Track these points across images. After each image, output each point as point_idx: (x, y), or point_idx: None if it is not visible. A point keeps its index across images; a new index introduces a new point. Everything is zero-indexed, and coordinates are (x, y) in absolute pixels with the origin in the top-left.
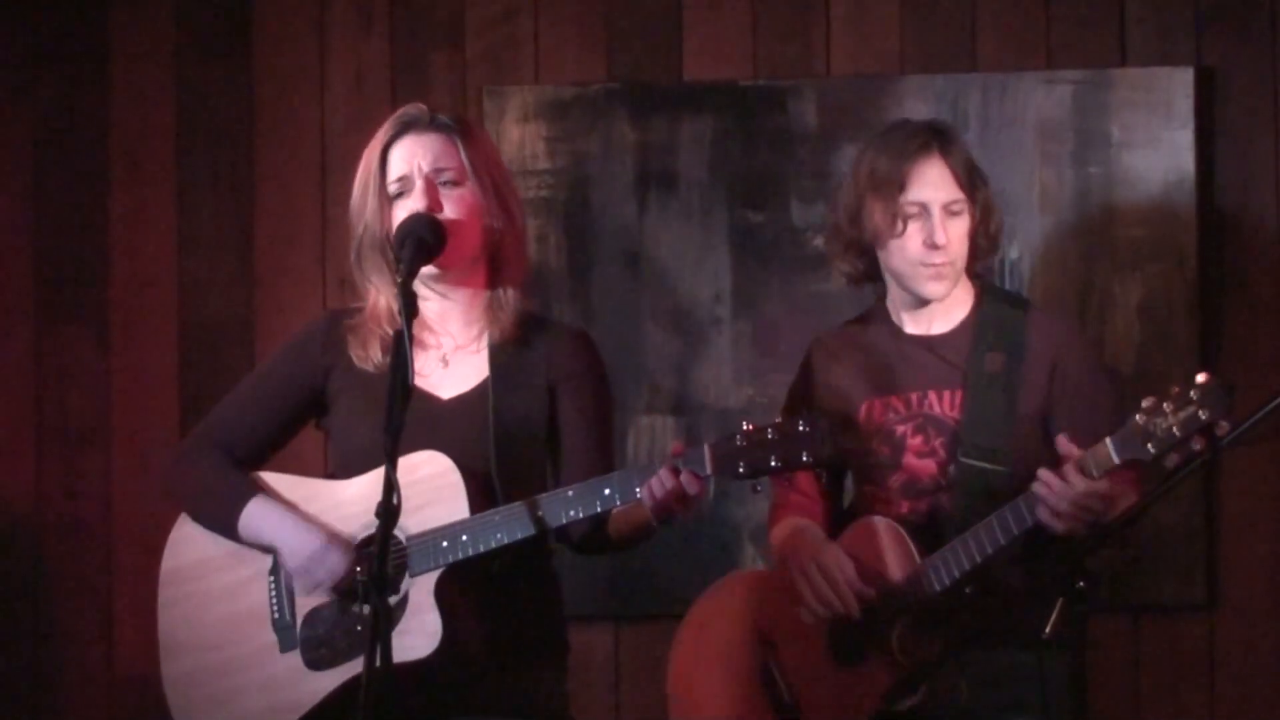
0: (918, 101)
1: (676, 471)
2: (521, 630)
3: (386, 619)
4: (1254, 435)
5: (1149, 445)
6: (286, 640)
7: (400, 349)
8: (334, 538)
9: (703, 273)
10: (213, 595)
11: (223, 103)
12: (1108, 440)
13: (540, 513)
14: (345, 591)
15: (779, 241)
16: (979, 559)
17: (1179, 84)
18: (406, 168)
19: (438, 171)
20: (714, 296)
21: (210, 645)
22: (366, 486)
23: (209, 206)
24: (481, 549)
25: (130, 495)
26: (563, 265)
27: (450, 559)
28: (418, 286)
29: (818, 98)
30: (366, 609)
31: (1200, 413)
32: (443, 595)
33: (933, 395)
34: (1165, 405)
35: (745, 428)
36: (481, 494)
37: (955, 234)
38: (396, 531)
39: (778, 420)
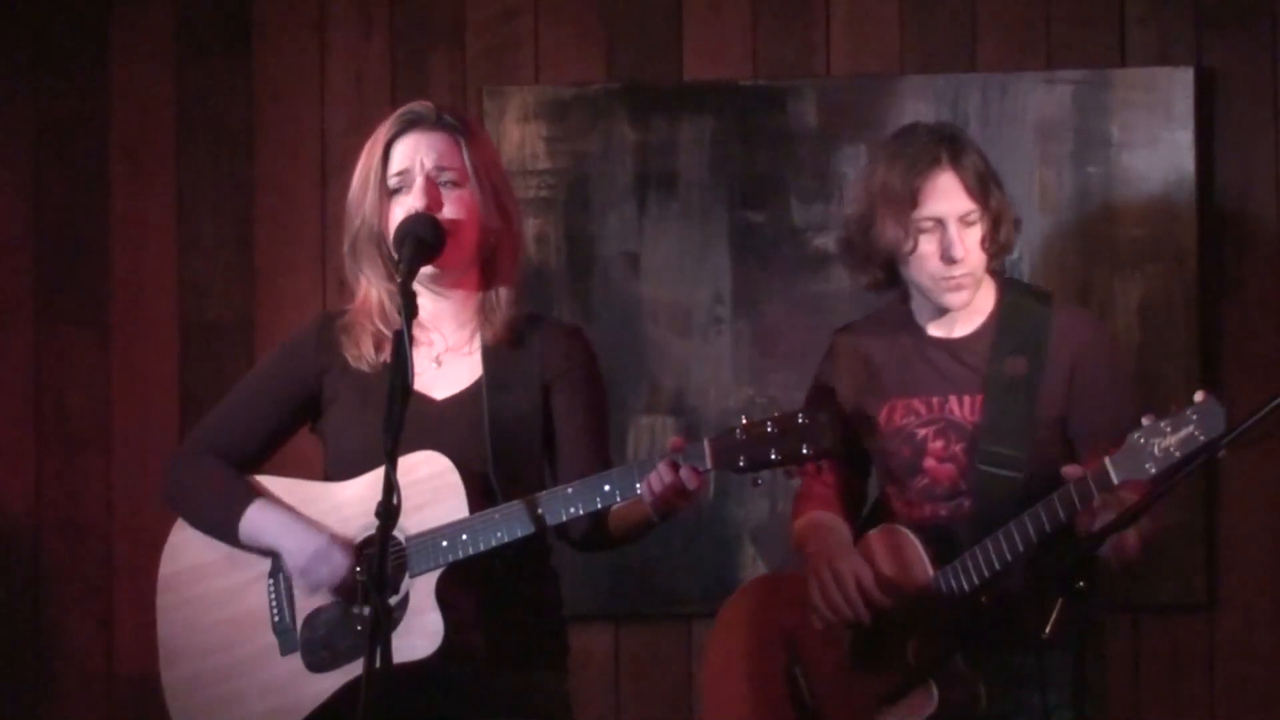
0: (918, 101)
1: (676, 466)
2: (522, 630)
3: (386, 619)
4: (1254, 435)
5: (1148, 465)
6: (287, 643)
7: (400, 349)
8: (335, 538)
9: (703, 273)
10: (211, 599)
11: (223, 103)
12: (1106, 460)
13: (540, 510)
14: (347, 591)
15: (779, 241)
16: (998, 566)
17: (1179, 84)
18: (408, 164)
19: (439, 170)
20: (714, 296)
21: (210, 650)
22: (365, 488)
23: (209, 206)
24: (482, 548)
25: (130, 496)
26: (563, 265)
27: (450, 558)
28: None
29: (818, 98)
30: (367, 610)
31: (1198, 433)
32: (443, 595)
33: (953, 400)
34: (1164, 425)
35: (744, 421)
36: (479, 494)
37: (971, 244)
38: (396, 532)
39: (777, 414)
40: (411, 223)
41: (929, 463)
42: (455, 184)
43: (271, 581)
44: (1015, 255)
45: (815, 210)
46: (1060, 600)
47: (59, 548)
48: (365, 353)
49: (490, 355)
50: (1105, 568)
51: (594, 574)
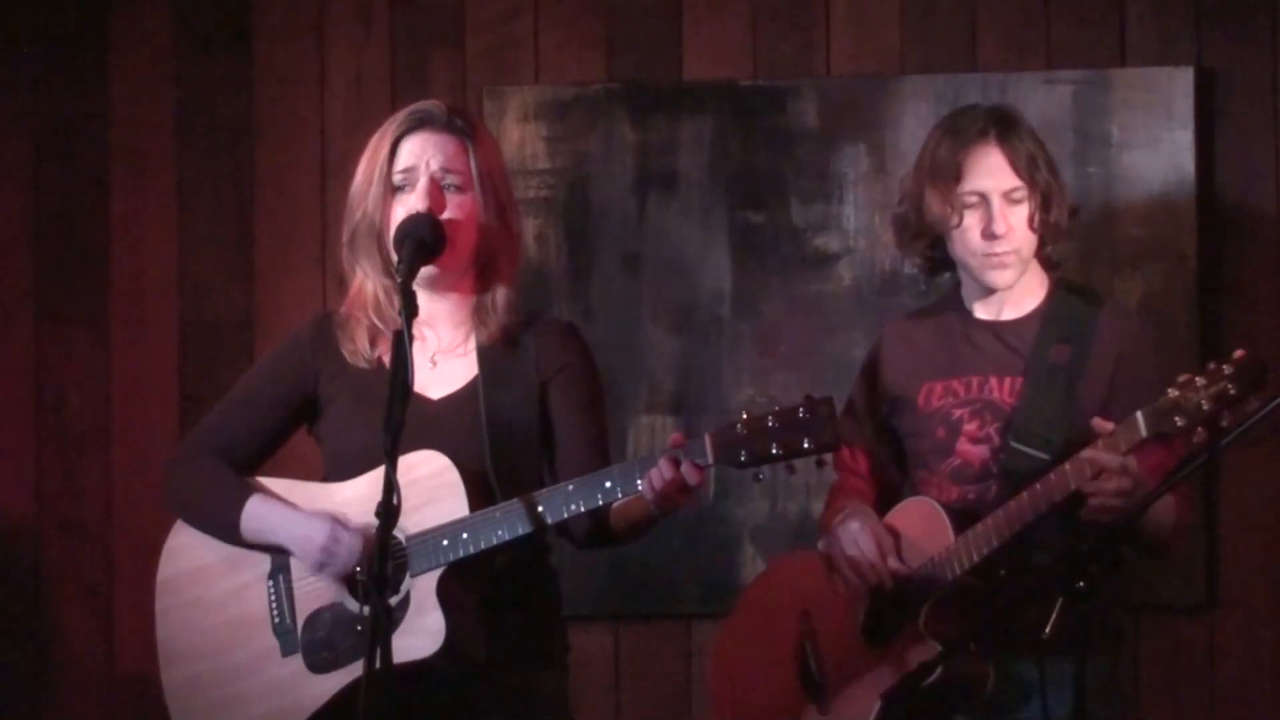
0: (918, 101)
1: (677, 462)
2: (522, 630)
3: (387, 620)
4: (1254, 435)
5: (1176, 418)
6: (288, 644)
7: (400, 349)
8: (339, 521)
9: (703, 273)
10: (211, 602)
11: (223, 103)
12: (1138, 413)
13: (541, 508)
14: (352, 582)
15: (779, 241)
16: (1009, 534)
17: (1179, 84)
18: (414, 163)
19: (445, 173)
20: (714, 296)
21: (210, 652)
22: (364, 488)
23: (209, 206)
24: (483, 546)
25: (130, 496)
26: (563, 265)
27: (451, 557)
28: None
29: (818, 98)
30: (368, 609)
31: (1230, 387)
32: (445, 594)
33: (994, 380)
34: (1199, 380)
35: (745, 416)
36: (478, 493)
37: (1017, 221)
38: (395, 532)
39: (777, 408)
40: (412, 223)
41: (962, 444)
42: (459, 188)
43: (271, 583)
44: None
45: (815, 210)
46: (1060, 600)
47: (59, 548)
48: (361, 347)
49: (486, 354)
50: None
51: (594, 574)
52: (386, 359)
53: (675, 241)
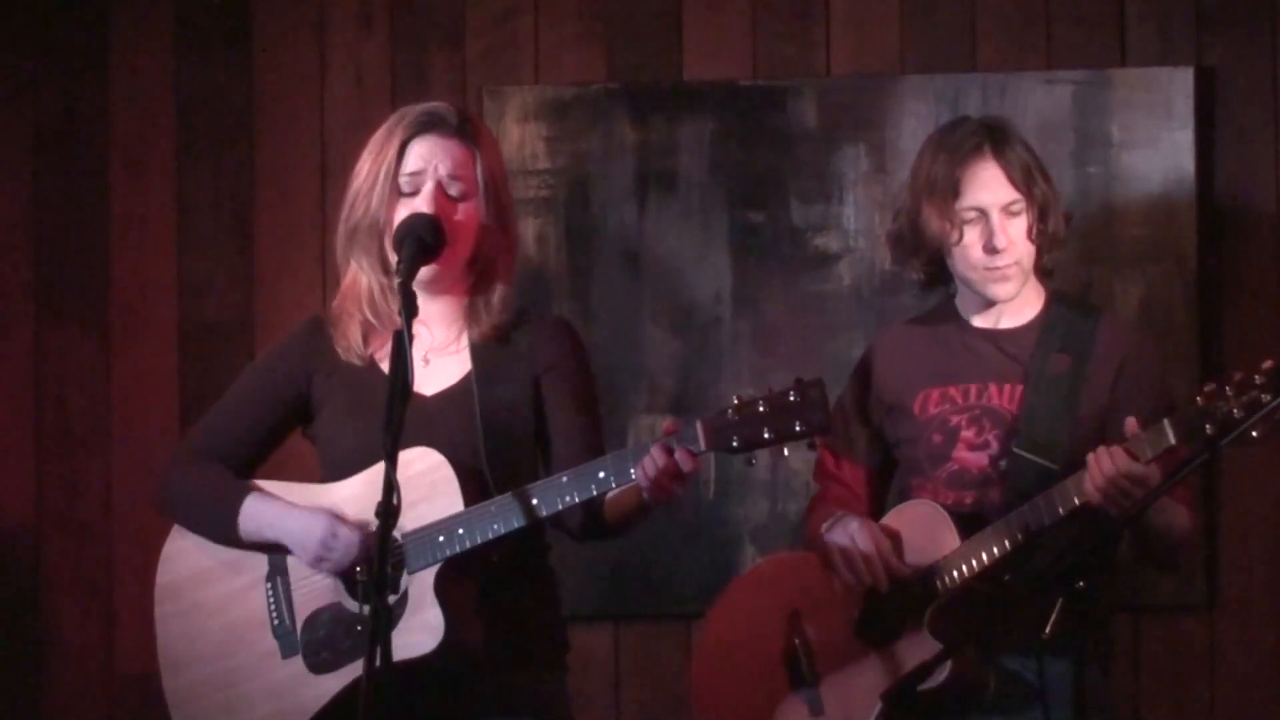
0: (918, 102)
1: (669, 450)
2: (521, 630)
3: (387, 620)
4: (1251, 438)
5: (1207, 426)
6: (288, 646)
7: (400, 349)
8: (337, 516)
9: (703, 273)
10: (210, 607)
11: (223, 103)
12: (1165, 421)
13: (535, 501)
14: (350, 580)
15: (779, 241)
16: (1022, 538)
17: (1179, 84)
18: (423, 167)
19: (451, 180)
20: (714, 296)
21: (211, 657)
22: (359, 487)
23: (209, 206)
24: (479, 540)
25: (130, 495)
26: (563, 265)
27: (448, 553)
28: (394, 282)
29: (818, 98)
30: (367, 609)
31: (1264, 396)
32: (443, 590)
33: (993, 388)
34: (1227, 389)
35: (736, 401)
36: (473, 488)
37: (1016, 234)
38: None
39: (769, 392)
40: (413, 223)
41: (960, 450)
42: (463, 195)
43: (269, 585)
44: None
45: (815, 210)
46: (1060, 600)
47: (59, 548)
48: (354, 343)
49: (479, 350)
50: (1113, 569)
51: (594, 574)
52: (379, 356)
53: (675, 241)
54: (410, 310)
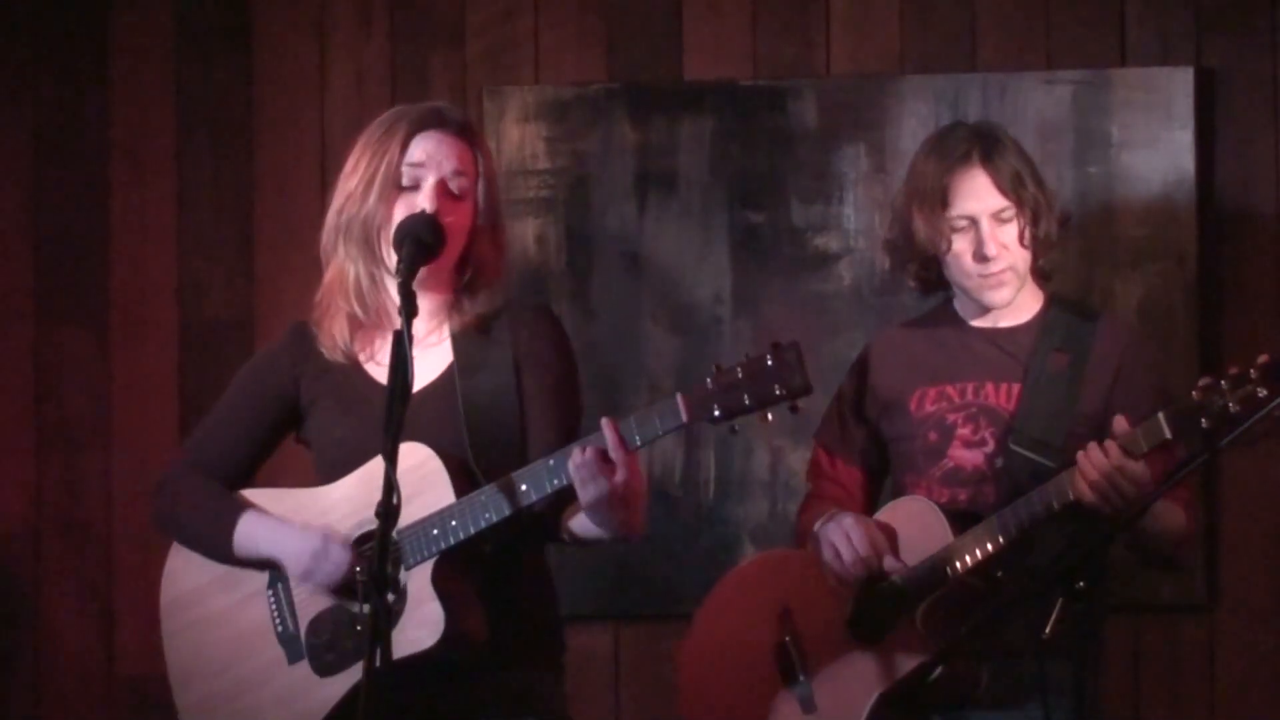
0: (918, 102)
1: (583, 448)
2: (518, 630)
3: (387, 619)
4: (1253, 435)
5: (1203, 420)
6: (293, 651)
7: (400, 349)
8: (330, 535)
9: (703, 273)
10: (214, 620)
11: (223, 103)
12: (1160, 414)
13: (524, 487)
14: (346, 589)
15: (779, 241)
16: (1015, 533)
17: (1179, 84)
18: (425, 164)
19: (455, 176)
20: (714, 296)
21: (219, 669)
22: (351, 488)
23: (209, 206)
24: (472, 530)
25: (130, 495)
26: (563, 265)
27: (443, 545)
28: (385, 277)
29: (818, 98)
30: (368, 608)
31: (1259, 391)
32: (440, 584)
33: (990, 386)
34: (1223, 384)
35: (714, 370)
36: (462, 480)
37: (1008, 240)
38: None
39: (746, 358)
40: (414, 223)
41: (955, 447)
42: (462, 193)
43: (271, 593)
44: None
45: (815, 210)
46: (1060, 600)
47: (59, 548)
48: (339, 338)
49: (459, 342)
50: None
51: (594, 574)
52: (364, 357)
53: (675, 241)
54: (411, 310)
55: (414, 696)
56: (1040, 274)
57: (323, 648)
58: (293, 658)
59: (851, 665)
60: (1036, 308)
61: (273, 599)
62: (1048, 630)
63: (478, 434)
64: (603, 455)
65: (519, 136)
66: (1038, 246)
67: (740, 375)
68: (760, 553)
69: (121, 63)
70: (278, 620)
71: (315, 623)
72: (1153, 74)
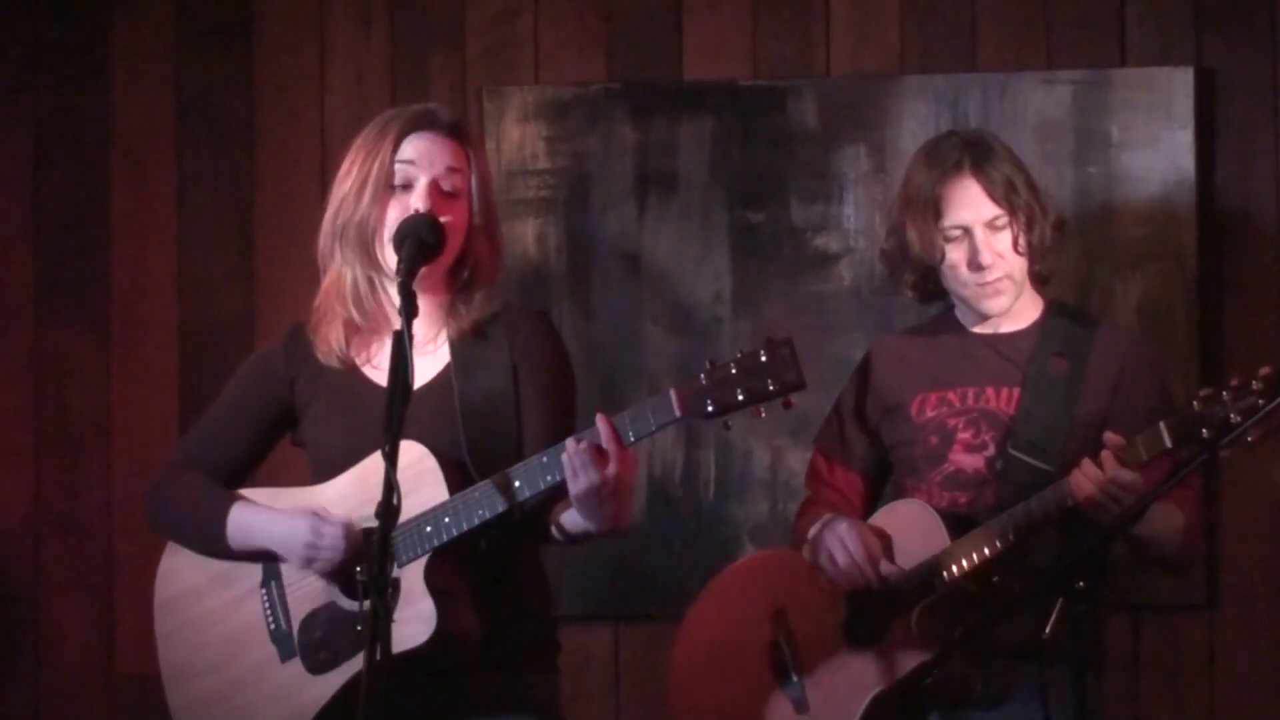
0: (918, 102)
1: (579, 440)
2: (512, 630)
3: (388, 619)
4: (1253, 435)
5: (1204, 430)
6: (286, 649)
7: (400, 349)
8: (320, 515)
9: (703, 273)
10: (207, 619)
11: (223, 103)
12: (1161, 424)
13: (518, 483)
14: (344, 581)
15: (779, 241)
16: (1012, 539)
17: (1179, 84)
18: (418, 165)
19: (446, 177)
20: (714, 296)
21: (211, 668)
22: (346, 486)
23: (209, 206)
24: (465, 528)
25: (130, 495)
26: (563, 265)
27: (436, 542)
28: (383, 279)
29: (818, 98)
30: (365, 606)
31: (1260, 401)
32: (433, 579)
33: (990, 390)
34: (1224, 395)
35: (708, 366)
36: (457, 481)
37: (1002, 248)
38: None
39: (739, 354)
40: (414, 223)
41: (956, 451)
42: (455, 193)
43: (264, 591)
44: None
45: (815, 210)
46: (1060, 600)
47: (59, 548)
48: (335, 343)
49: (457, 344)
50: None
51: (594, 574)
52: (361, 360)
53: (675, 241)
54: (411, 310)
55: (408, 695)
56: (1038, 279)
57: (315, 646)
58: (285, 655)
59: (845, 666)
60: (1036, 314)
61: (266, 597)
62: (1048, 630)
63: (474, 434)
64: (596, 448)
65: (519, 136)
66: (1033, 252)
67: (734, 371)
68: (750, 554)
69: (121, 63)
70: (270, 618)
71: (308, 621)
72: (1153, 74)
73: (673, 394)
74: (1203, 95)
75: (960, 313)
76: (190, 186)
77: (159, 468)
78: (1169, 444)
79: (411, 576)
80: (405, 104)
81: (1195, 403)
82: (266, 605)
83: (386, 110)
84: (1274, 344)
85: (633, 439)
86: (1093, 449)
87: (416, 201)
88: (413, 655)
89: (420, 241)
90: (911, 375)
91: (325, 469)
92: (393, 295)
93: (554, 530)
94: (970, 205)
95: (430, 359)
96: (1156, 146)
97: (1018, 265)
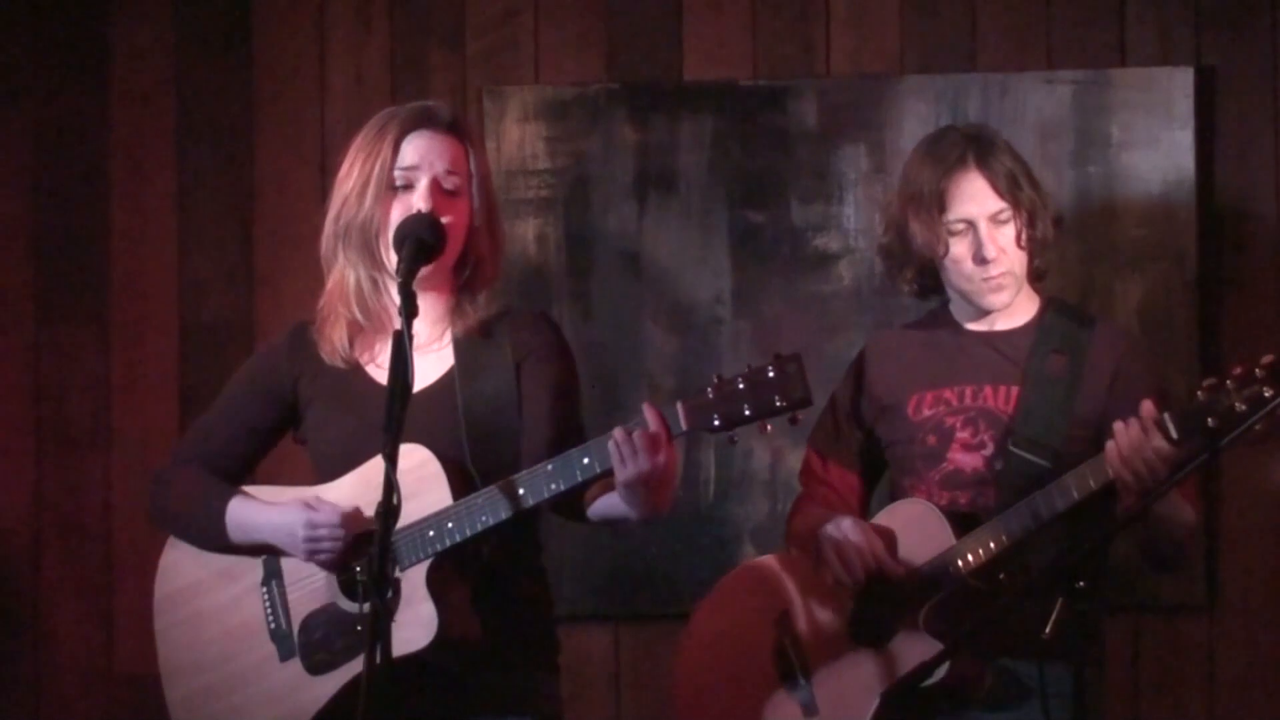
0: (918, 101)
1: (629, 432)
2: (512, 630)
3: (387, 620)
4: (1256, 434)
5: (1210, 420)
6: (285, 649)
7: (400, 349)
8: (314, 504)
9: (703, 273)
10: (207, 615)
11: (223, 103)
12: (1166, 415)
13: (522, 491)
14: (346, 583)
15: (779, 241)
16: (1019, 535)
17: (1179, 84)
18: (418, 164)
19: (447, 175)
20: (714, 296)
21: (210, 665)
22: (349, 487)
23: (209, 206)
24: (468, 533)
25: (130, 495)
26: (563, 265)
27: (438, 547)
28: (386, 280)
29: (818, 98)
30: (364, 608)
31: (1265, 390)
32: (435, 585)
33: (988, 389)
34: (1228, 384)
35: (716, 380)
36: (460, 483)
37: (1006, 242)
38: None
39: (747, 369)
40: (414, 223)
41: (955, 450)
42: (456, 192)
43: (265, 590)
44: None
45: (815, 210)
46: (1060, 600)
47: (59, 548)
48: (339, 344)
49: (461, 346)
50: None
51: (594, 574)
52: (365, 359)
53: (675, 241)
54: (411, 310)
55: (409, 696)
56: (1035, 275)
57: (315, 646)
58: (284, 655)
59: (853, 667)
60: (1033, 311)
61: (266, 595)
62: (1048, 630)
63: (477, 438)
64: (649, 436)
65: (519, 136)
66: (1034, 247)
67: (741, 386)
68: (750, 561)
69: (121, 63)
70: (271, 617)
71: (308, 621)
72: (1153, 74)
73: (679, 406)
74: (1203, 95)
75: (956, 309)
76: (190, 187)
77: (161, 464)
78: (1175, 435)
79: (413, 580)
80: (397, 105)
81: (1199, 393)
82: (267, 604)
83: (387, 109)
84: (1274, 344)
85: (685, 429)
86: (1089, 447)
87: (418, 202)
88: (413, 659)
89: (420, 241)
90: (908, 373)
91: (327, 467)
92: (396, 294)
93: (589, 513)
94: (975, 199)
95: (434, 360)
96: (1156, 146)
97: (1019, 260)
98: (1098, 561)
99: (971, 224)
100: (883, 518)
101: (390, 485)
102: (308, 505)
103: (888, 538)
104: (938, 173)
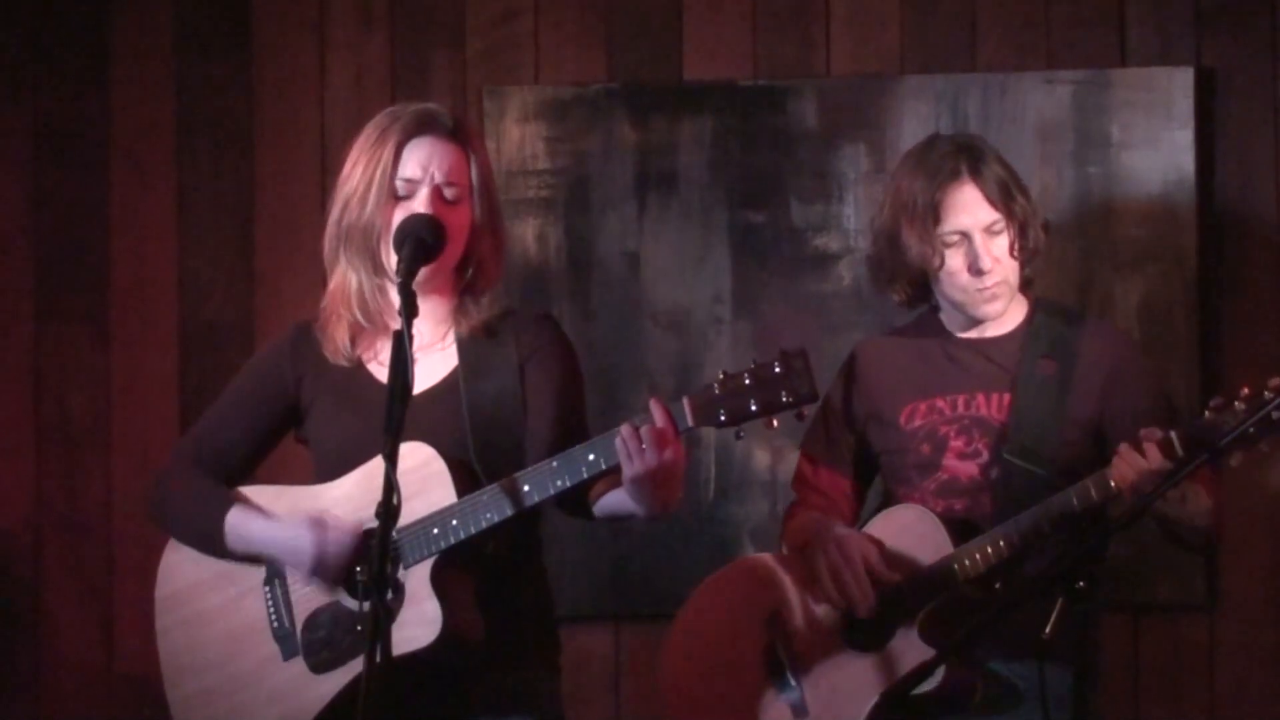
0: (918, 101)
1: (636, 427)
2: (513, 630)
3: (388, 619)
4: (1255, 443)
5: (1218, 441)
6: (288, 648)
7: (400, 349)
8: (321, 524)
9: (703, 273)
10: (209, 615)
11: (223, 103)
12: (1173, 434)
13: (526, 488)
14: (349, 582)
15: (779, 241)
16: (1018, 544)
17: (1179, 84)
18: (419, 171)
19: (448, 184)
20: (714, 296)
21: (213, 665)
22: (350, 487)
23: (209, 207)
24: (472, 530)
25: (130, 495)
26: (563, 265)
27: (442, 545)
28: (388, 282)
29: (818, 98)
30: (367, 606)
31: (1275, 413)
32: (439, 582)
33: (980, 397)
34: (1236, 404)
35: (721, 376)
36: (464, 482)
37: (1000, 253)
38: None
39: (753, 364)
40: (414, 223)
41: (949, 459)
42: (458, 198)
43: (268, 589)
44: None
45: (815, 210)
46: (1060, 600)
47: (59, 548)
48: (341, 344)
49: (465, 346)
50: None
51: (594, 574)
52: (367, 357)
53: (675, 241)
54: (411, 311)
55: (411, 696)
56: (1025, 282)
57: (318, 645)
58: (287, 654)
59: (846, 670)
60: (1021, 316)
61: (269, 595)
62: (1048, 630)
63: (482, 437)
64: (657, 432)
65: (519, 136)
66: (1026, 256)
67: (748, 381)
68: (739, 559)
69: (121, 63)
70: (274, 616)
71: (311, 619)
72: (1153, 74)
73: (685, 402)
74: (1203, 95)
75: (946, 316)
76: (190, 187)
77: (163, 463)
78: (1181, 453)
79: (417, 578)
80: (399, 105)
81: (1207, 412)
82: (270, 603)
83: (389, 109)
84: (1274, 344)
85: (690, 425)
86: (1084, 450)
87: (418, 207)
88: (417, 657)
89: (420, 241)
90: (898, 382)
91: (329, 466)
92: (397, 297)
93: (595, 510)
94: (969, 210)
95: (438, 360)
96: (1156, 146)
97: (1013, 270)
98: (1096, 560)
99: (966, 235)
100: (879, 523)
101: (390, 485)
102: (320, 524)
103: (880, 548)
104: (930, 184)
